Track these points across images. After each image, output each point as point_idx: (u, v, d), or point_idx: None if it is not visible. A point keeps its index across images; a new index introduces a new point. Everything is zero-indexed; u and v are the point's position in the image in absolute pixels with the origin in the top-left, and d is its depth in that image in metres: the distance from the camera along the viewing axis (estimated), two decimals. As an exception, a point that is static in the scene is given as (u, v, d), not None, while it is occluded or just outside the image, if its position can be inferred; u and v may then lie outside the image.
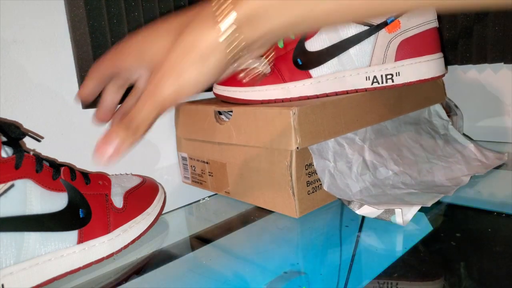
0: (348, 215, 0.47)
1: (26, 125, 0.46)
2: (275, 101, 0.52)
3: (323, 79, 0.51)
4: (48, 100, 0.48)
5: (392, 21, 0.48)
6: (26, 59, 0.46)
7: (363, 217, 0.46)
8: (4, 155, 0.36)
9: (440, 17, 0.52)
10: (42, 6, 0.46)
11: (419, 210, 0.44)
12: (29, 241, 0.36)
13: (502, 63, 0.69)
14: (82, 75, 0.49)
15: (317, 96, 0.51)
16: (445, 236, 0.40)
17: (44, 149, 0.47)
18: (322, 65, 0.51)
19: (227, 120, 0.53)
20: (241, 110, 0.50)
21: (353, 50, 0.50)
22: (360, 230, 0.43)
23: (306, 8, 0.28)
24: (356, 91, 0.51)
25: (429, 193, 0.49)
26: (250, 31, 0.29)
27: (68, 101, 0.49)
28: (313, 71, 0.51)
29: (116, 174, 0.52)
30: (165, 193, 0.53)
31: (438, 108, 0.66)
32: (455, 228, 0.42)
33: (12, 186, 0.35)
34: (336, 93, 0.51)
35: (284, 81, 0.52)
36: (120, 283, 0.37)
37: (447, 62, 0.73)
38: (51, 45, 0.47)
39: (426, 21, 0.49)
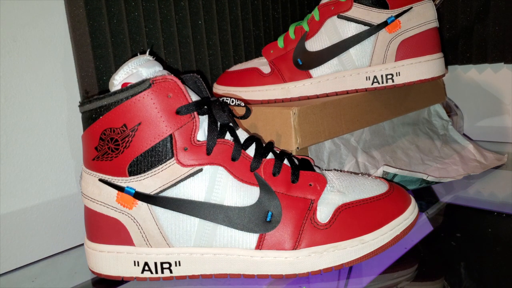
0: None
1: (26, 125, 0.46)
2: (275, 101, 0.52)
3: (323, 79, 0.51)
4: (48, 100, 0.48)
5: (392, 21, 0.48)
6: (26, 59, 0.46)
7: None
8: (202, 138, 0.34)
9: (440, 17, 0.52)
10: (42, 6, 0.46)
11: (420, 210, 0.44)
12: (208, 229, 0.34)
13: (502, 63, 0.69)
14: (82, 75, 0.49)
15: (317, 96, 0.51)
16: (445, 236, 0.40)
17: (44, 149, 0.47)
18: (322, 65, 0.51)
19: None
20: (241, 110, 0.50)
21: (353, 50, 0.50)
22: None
23: None
24: (356, 91, 0.51)
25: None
26: None
27: (68, 101, 0.49)
28: (313, 71, 0.51)
29: (352, 172, 0.41)
30: (418, 213, 0.39)
31: (438, 108, 0.66)
32: (455, 228, 0.42)
33: (199, 170, 0.34)
34: (336, 93, 0.51)
35: (284, 81, 0.52)
36: (121, 283, 0.37)
37: (447, 62, 0.73)
38: (51, 45, 0.47)
39: (426, 21, 0.49)
